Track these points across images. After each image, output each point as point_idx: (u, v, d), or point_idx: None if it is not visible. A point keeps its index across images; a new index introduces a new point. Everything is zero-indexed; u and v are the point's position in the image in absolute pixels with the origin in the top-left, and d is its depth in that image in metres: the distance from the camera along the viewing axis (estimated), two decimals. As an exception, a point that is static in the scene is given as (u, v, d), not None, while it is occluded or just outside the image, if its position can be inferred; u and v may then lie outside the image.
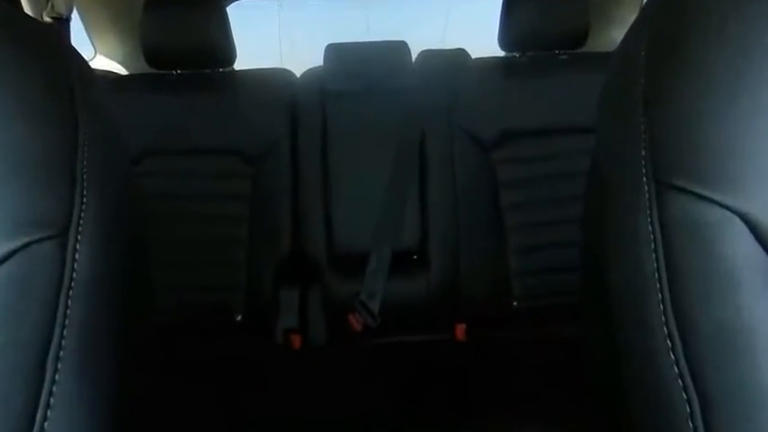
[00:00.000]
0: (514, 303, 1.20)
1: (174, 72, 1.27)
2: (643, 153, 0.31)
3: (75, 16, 1.40)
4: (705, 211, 0.28)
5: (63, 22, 1.33)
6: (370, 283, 1.19)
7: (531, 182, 1.21)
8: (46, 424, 0.29)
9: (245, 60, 1.35)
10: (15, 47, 0.32)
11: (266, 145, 1.23)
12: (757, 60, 0.27)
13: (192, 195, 1.22)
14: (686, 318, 0.29)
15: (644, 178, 0.31)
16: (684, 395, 0.29)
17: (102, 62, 1.65)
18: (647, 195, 0.31)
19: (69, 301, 0.31)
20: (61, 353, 0.30)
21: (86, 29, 1.57)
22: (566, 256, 1.07)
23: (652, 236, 0.30)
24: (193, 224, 1.21)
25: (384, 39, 1.36)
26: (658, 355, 0.30)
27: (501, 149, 1.21)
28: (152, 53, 1.21)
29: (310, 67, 1.35)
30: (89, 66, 0.38)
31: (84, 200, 0.33)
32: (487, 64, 1.29)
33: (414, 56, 1.32)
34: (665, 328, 0.30)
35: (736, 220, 0.28)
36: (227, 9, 1.25)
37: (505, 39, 1.25)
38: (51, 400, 0.30)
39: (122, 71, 1.68)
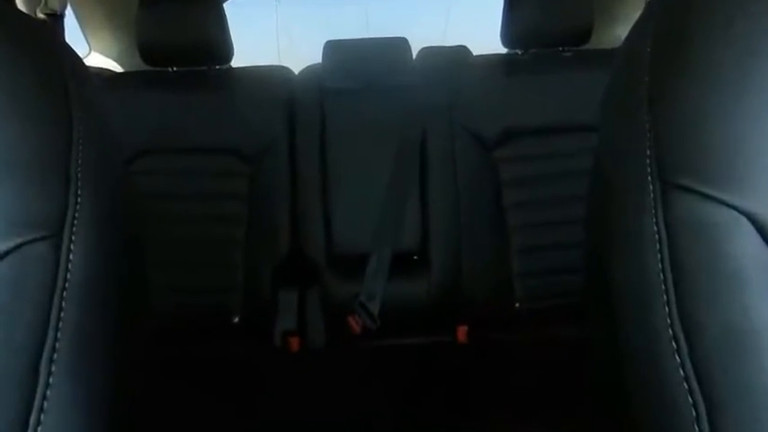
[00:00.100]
0: (517, 305, 1.20)
1: (171, 69, 1.27)
2: (648, 152, 0.31)
3: (69, 12, 1.41)
4: (711, 212, 0.28)
5: (57, 19, 1.33)
6: (370, 284, 1.19)
7: (533, 181, 1.21)
8: (39, 429, 0.29)
9: (242, 57, 1.35)
10: (8, 44, 0.32)
11: (264, 143, 1.23)
12: (764, 59, 0.27)
13: (188, 195, 1.22)
14: (692, 319, 0.29)
15: (649, 177, 0.31)
16: (690, 398, 0.29)
17: (96, 59, 1.65)
18: (651, 195, 0.31)
19: (63, 303, 0.31)
20: (55, 355, 0.30)
21: (81, 25, 1.57)
22: (569, 257, 1.07)
23: (657, 236, 0.30)
24: (190, 224, 1.21)
25: (384, 35, 1.36)
26: (663, 358, 0.30)
27: (503, 148, 1.21)
28: (148, 50, 1.21)
29: (309, 63, 1.35)
30: (83, 63, 0.38)
31: (79, 199, 0.33)
32: (489, 61, 1.29)
33: (414, 53, 1.32)
34: (670, 330, 0.30)
35: (743, 220, 0.28)
36: (224, 5, 1.26)
37: (508, 35, 1.25)
38: (45, 403, 0.30)
39: (117, 68, 1.68)
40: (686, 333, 0.29)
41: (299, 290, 1.23)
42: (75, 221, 0.32)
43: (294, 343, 1.22)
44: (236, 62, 1.32)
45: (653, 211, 0.31)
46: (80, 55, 0.38)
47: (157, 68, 1.26)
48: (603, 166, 0.37)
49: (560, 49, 1.26)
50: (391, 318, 1.18)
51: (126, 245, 0.39)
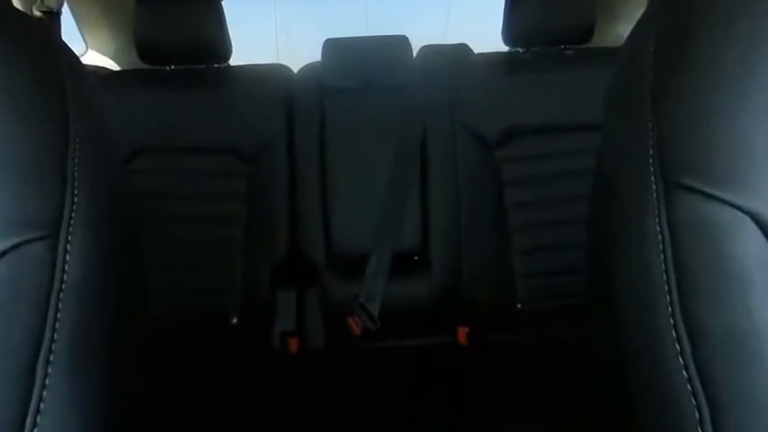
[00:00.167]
0: (518, 306, 1.20)
1: (168, 68, 1.27)
2: (650, 151, 0.31)
3: (65, 10, 1.41)
4: (715, 211, 0.28)
5: (53, 17, 1.34)
6: (370, 284, 1.19)
7: (535, 181, 1.21)
8: (36, 431, 0.29)
9: (240, 55, 1.35)
10: (4, 42, 0.32)
11: (262, 143, 1.23)
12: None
13: (186, 194, 1.22)
14: (695, 320, 0.29)
15: (651, 177, 0.31)
16: (694, 400, 0.29)
17: (93, 57, 1.65)
18: (654, 195, 0.31)
19: (60, 304, 0.31)
20: (51, 356, 0.30)
21: (77, 23, 1.57)
22: (571, 258, 1.07)
23: (660, 236, 0.30)
24: (187, 224, 1.21)
25: (384, 33, 1.36)
26: (666, 360, 0.30)
27: (504, 147, 1.21)
28: (145, 48, 1.21)
29: (307, 61, 1.35)
30: (80, 61, 0.38)
31: (76, 199, 0.33)
32: (490, 59, 1.29)
33: (414, 51, 1.32)
34: (673, 332, 0.30)
35: (747, 220, 0.28)
36: (223, 2, 1.25)
37: (509, 33, 1.25)
38: (41, 405, 0.30)
39: (114, 66, 1.68)
40: (689, 334, 0.29)
41: (297, 290, 1.23)
42: (72, 221, 0.32)
43: (293, 344, 1.22)
44: (233, 60, 1.32)
45: (656, 211, 0.31)
46: (77, 53, 0.38)
47: (155, 67, 1.26)
48: (606, 166, 0.37)
49: (562, 47, 1.26)
50: (391, 319, 1.18)
51: (123, 244, 0.39)
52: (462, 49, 1.33)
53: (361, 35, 1.40)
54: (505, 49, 1.29)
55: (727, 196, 0.28)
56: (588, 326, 0.43)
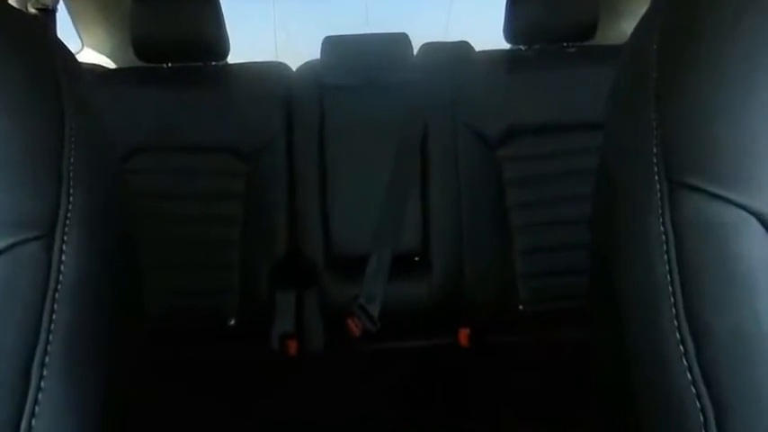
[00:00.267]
0: (520, 307, 1.20)
1: (165, 65, 1.27)
2: (654, 150, 0.31)
3: (61, 7, 1.41)
4: (719, 211, 0.28)
5: (49, 14, 1.34)
6: (370, 285, 1.19)
7: (537, 180, 1.21)
8: None
9: (238, 53, 1.35)
10: (-1, 39, 0.32)
11: (261, 142, 1.23)
12: None
13: (183, 194, 1.22)
14: (699, 322, 0.29)
15: (655, 176, 0.31)
16: (698, 403, 0.29)
17: (89, 55, 1.65)
18: (658, 194, 0.31)
19: (55, 304, 0.31)
20: (47, 358, 0.30)
21: (73, 20, 1.57)
22: (574, 258, 1.07)
23: (664, 237, 0.30)
24: (185, 224, 1.21)
25: (384, 31, 1.36)
26: (670, 361, 0.30)
27: (506, 146, 1.21)
28: (142, 46, 1.21)
29: (307, 59, 1.35)
30: (76, 59, 0.38)
31: (71, 198, 0.33)
32: (492, 57, 1.29)
33: (415, 48, 1.32)
34: (677, 333, 0.30)
35: (752, 220, 0.28)
36: (220, -1, 1.26)
37: (511, 31, 1.25)
38: (37, 408, 0.30)
39: (111, 64, 1.68)
40: (694, 335, 0.29)
41: (296, 291, 1.23)
42: (68, 221, 0.32)
43: (292, 346, 1.22)
44: (231, 58, 1.32)
45: (660, 211, 0.31)
46: (72, 51, 0.38)
47: (152, 65, 1.26)
48: (609, 165, 0.37)
49: (564, 44, 1.26)
50: (391, 320, 1.18)
51: (119, 245, 0.39)
52: (463, 46, 1.33)
53: (361, 33, 1.40)
54: (507, 46, 1.29)
55: (732, 196, 0.28)
56: (591, 327, 0.43)
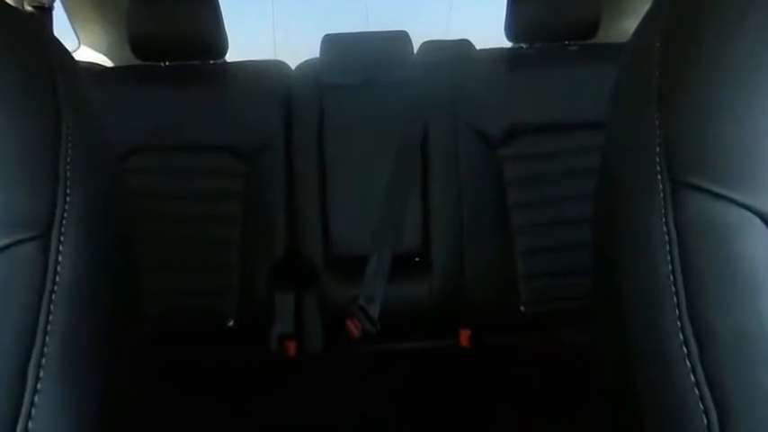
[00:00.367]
0: (522, 308, 1.20)
1: (163, 64, 1.27)
2: (657, 149, 0.31)
3: (57, 5, 1.41)
4: (723, 211, 0.28)
5: (45, 11, 1.34)
6: (370, 286, 1.19)
7: (539, 180, 1.21)
8: None
9: (236, 51, 1.35)
10: (-5, 37, 0.32)
11: (260, 141, 1.23)
12: None
13: (181, 194, 1.22)
14: (703, 323, 0.29)
15: (658, 176, 0.31)
16: (701, 405, 0.29)
17: (86, 53, 1.65)
18: (661, 194, 0.31)
19: (52, 305, 0.31)
20: (43, 359, 0.30)
21: (69, 18, 1.57)
22: (576, 259, 1.07)
23: (667, 237, 0.30)
24: (183, 224, 1.21)
25: (384, 29, 1.36)
26: (674, 363, 0.30)
27: (507, 146, 1.21)
28: (139, 44, 1.21)
29: (306, 57, 1.35)
30: (72, 57, 0.38)
31: (68, 199, 0.33)
32: (493, 56, 1.29)
33: (415, 47, 1.32)
34: (680, 335, 0.30)
35: (756, 220, 0.28)
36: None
37: (512, 29, 1.25)
38: (33, 410, 0.30)
39: (108, 63, 1.68)
40: (697, 337, 0.29)
41: (296, 292, 1.23)
42: (64, 221, 0.32)
43: (291, 347, 1.22)
44: (229, 57, 1.32)
45: (662, 211, 0.31)
46: (69, 49, 0.38)
47: (149, 63, 1.26)
48: (611, 165, 0.37)
49: (566, 43, 1.26)
50: (391, 321, 1.18)
51: (117, 245, 0.39)
52: (464, 44, 1.33)
53: (360, 31, 1.40)
54: (508, 44, 1.29)
55: (736, 196, 0.28)
56: (593, 328, 0.43)
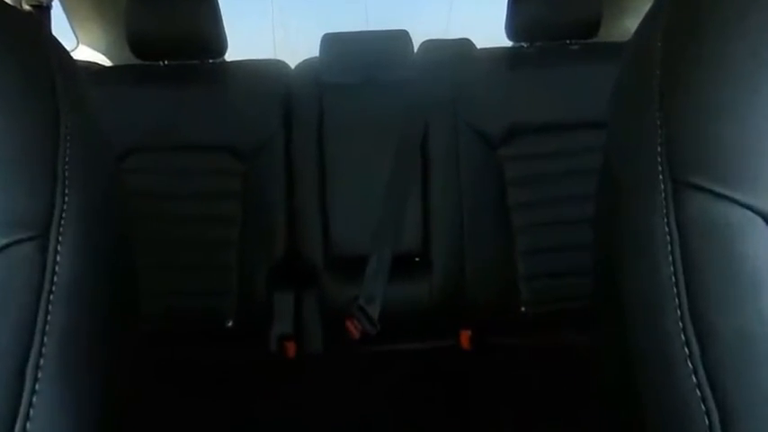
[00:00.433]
0: (522, 309, 1.20)
1: (162, 63, 1.27)
2: (659, 149, 0.31)
3: (56, 4, 1.41)
4: (725, 211, 0.28)
5: (43, 10, 1.33)
6: (370, 286, 1.19)
7: (539, 180, 1.21)
8: None
9: (235, 50, 1.35)
10: (-7, 36, 0.32)
11: (259, 141, 1.23)
12: None
13: (180, 194, 1.22)
14: (704, 323, 0.29)
15: (659, 176, 0.31)
16: (703, 406, 0.29)
17: (84, 53, 1.65)
18: (663, 194, 0.31)
19: (50, 306, 0.31)
20: (41, 360, 0.30)
21: (68, 17, 1.57)
22: (577, 259, 1.06)
23: (668, 237, 0.30)
24: (182, 225, 1.21)
25: (384, 28, 1.36)
26: (675, 364, 0.30)
27: (508, 145, 1.21)
28: (138, 43, 1.21)
29: (305, 57, 1.35)
30: (71, 56, 0.38)
31: (66, 198, 0.33)
32: (493, 55, 1.29)
33: (415, 46, 1.32)
34: (682, 335, 0.30)
35: (758, 220, 0.28)
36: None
37: (513, 28, 1.25)
38: (31, 411, 0.30)
39: (106, 62, 1.68)
40: (698, 337, 0.29)
41: (295, 292, 1.23)
42: (63, 221, 0.32)
43: (290, 348, 1.22)
44: (229, 56, 1.32)
45: (664, 211, 0.31)
46: (67, 48, 0.38)
47: (148, 62, 1.26)
48: (612, 164, 0.37)
49: (567, 42, 1.26)
50: (391, 322, 1.18)
51: (115, 245, 0.39)
52: (464, 43, 1.33)
53: (360, 30, 1.40)
54: (509, 43, 1.29)
55: (738, 195, 0.28)
56: (594, 328, 0.43)
